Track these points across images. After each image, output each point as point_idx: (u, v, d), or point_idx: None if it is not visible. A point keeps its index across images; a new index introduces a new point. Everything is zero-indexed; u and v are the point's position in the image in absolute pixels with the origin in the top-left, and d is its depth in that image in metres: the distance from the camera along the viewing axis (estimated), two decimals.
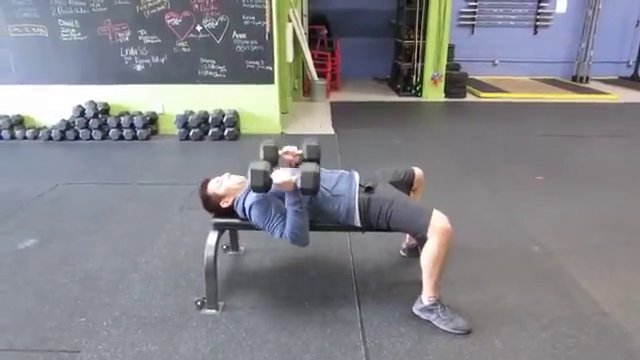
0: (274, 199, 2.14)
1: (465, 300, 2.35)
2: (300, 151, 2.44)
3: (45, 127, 5.46)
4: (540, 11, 9.72)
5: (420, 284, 2.15)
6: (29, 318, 2.24)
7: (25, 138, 5.39)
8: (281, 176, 2.04)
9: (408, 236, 2.69)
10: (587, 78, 9.45)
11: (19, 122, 5.51)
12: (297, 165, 2.40)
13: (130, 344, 2.05)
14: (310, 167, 2.03)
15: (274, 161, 2.36)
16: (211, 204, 2.30)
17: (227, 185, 2.28)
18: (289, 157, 2.45)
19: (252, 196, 2.16)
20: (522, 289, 2.47)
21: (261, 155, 2.35)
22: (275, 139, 2.41)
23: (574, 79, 9.68)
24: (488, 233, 3.10)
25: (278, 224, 2.11)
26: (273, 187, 2.07)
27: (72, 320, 2.21)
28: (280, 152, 2.41)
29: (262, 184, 2.03)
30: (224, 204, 2.26)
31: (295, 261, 2.75)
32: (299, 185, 2.01)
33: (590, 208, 3.51)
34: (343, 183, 2.21)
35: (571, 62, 9.86)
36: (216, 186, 2.29)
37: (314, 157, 2.42)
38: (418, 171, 2.50)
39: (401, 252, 2.79)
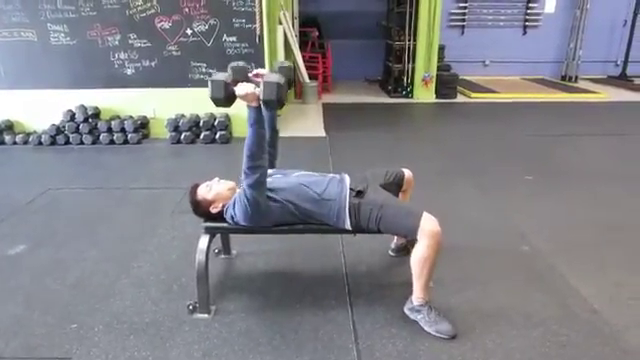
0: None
1: (456, 300, 2.36)
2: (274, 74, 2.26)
3: (35, 132, 5.42)
4: (529, 11, 9.80)
5: (412, 285, 2.16)
6: (19, 325, 2.22)
7: (15, 143, 5.35)
8: (244, 88, 2.00)
9: (396, 236, 2.70)
10: (576, 77, 9.53)
11: (9, 127, 5.47)
12: None
13: (122, 349, 2.04)
14: (273, 77, 1.94)
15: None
16: (201, 209, 2.29)
17: (217, 190, 2.28)
18: (259, 80, 2.28)
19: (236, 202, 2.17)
20: (512, 288, 2.49)
21: (230, 77, 2.16)
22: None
23: (563, 78, 9.76)
24: (478, 233, 3.12)
25: (245, 187, 2.08)
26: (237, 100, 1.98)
27: (63, 326, 2.20)
28: (250, 74, 2.25)
29: (223, 95, 1.95)
30: (214, 209, 2.26)
31: (287, 264, 2.76)
32: (261, 96, 1.95)
33: (580, 207, 3.54)
34: (334, 187, 2.22)
35: (560, 62, 9.94)
36: (206, 191, 2.28)
37: (287, 79, 2.25)
38: (407, 172, 2.52)
39: (390, 252, 2.80)
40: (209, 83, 1.96)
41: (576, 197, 3.74)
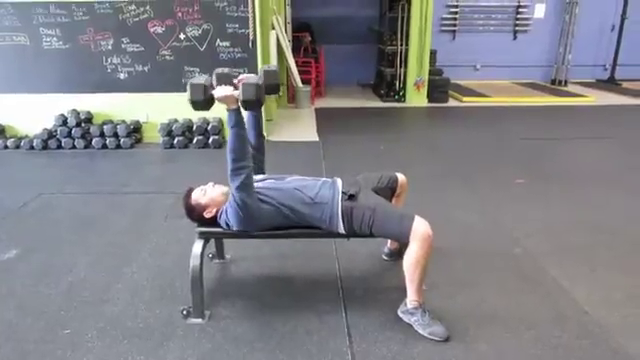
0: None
1: (449, 303, 2.38)
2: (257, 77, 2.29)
3: (27, 136, 5.38)
4: (519, 16, 9.90)
5: (406, 289, 2.17)
6: (11, 330, 2.21)
7: (6, 148, 5.31)
8: (223, 90, 2.02)
9: (389, 240, 2.72)
10: (566, 81, 9.63)
11: (0, 131, 5.43)
12: None
13: (115, 355, 2.04)
14: (252, 78, 1.95)
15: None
16: (195, 214, 2.29)
17: (211, 195, 2.28)
18: None
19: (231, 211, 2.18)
20: (505, 291, 2.51)
21: (214, 83, 2.15)
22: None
23: (553, 82, 9.86)
24: (471, 236, 3.15)
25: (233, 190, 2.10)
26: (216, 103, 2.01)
27: (56, 332, 2.19)
28: (235, 81, 2.22)
29: (202, 98, 1.96)
30: (207, 214, 2.26)
31: (281, 268, 2.76)
32: (240, 97, 1.95)
33: (571, 209, 3.58)
34: (326, 190, 2.23)
35: (550, 66, 10.05)
36: (200, 195, 2.28)
37: (272, 82, 2.31)
38: (401, 177, 2.54)
39: (383, 256, 2.82)
40: (188, 86, 1.97)
41: (567, 200, 3.78)
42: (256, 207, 2.14)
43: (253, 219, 2.17)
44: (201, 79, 2.02)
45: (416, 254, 2.05)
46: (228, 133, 2.07)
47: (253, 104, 2.00)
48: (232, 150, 2.07)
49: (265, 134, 2.55)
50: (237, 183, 2.09)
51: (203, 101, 1.98)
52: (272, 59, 6.48)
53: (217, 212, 2.26)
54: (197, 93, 1.96)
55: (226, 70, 2.23)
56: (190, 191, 2.32)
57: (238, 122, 2.06)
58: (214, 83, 2.14)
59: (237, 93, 1.98)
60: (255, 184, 2.18)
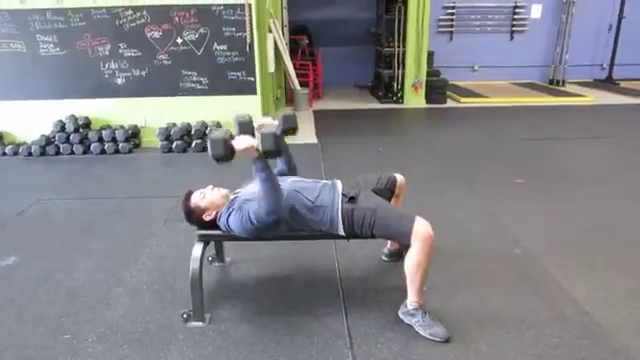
0: (247, 202, 2.16)
1: (449, 304, 2.38)
2: (276, 122, 2.37)
3: (25, 143, 5.38)
4: (516, 17, 9.91)
5: (406, 289, 2.17)
6: (11, 337, 2.21)
7: (4, 154, 5.31)
8: (243, 142, 2.02)
9: (389, 241, 2.72)
10: (563, 81, 9.63)
11: None
12: None
13: None
14: (270, 128, 1.99)
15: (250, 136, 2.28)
16: (194, 217, 2.29)
17: (210, 198, 2.28)
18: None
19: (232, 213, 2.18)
20: (505, 291, 2.51)
21: (236, 131, 2.27)
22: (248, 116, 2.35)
23: (551, 82, 9.87)
24: (470, 237, 3.15)
25: (253, 213, 2.10)
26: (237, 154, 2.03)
27: (56, 337, 2.19)
28: (255, 125, 2.32)
29: (223, 152, 1.98)
30: (207, 217, 2.26)
31: (281, 271, 2.76)
32: (260, 148, 1.97)
33: (570, 209, 3.58)
34: (326, 193, 2.23)
35: (547, 66, 10.05)
36: (199, 198, 2.28)
37: (291, 127, 2.37)
38: (400, 177, 2.54)
39: (383, 257, 2.82)
40: (208, 142, 2.00)
41: (566, 199, 3.78)
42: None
43: (257, 233, 2.18)
44: (220, 133, 2.03)
45: (417, 255, 2.05)
46: (256, 178, 2.06)
47: (273, 154, 2.03)
48: (265, 197, 2.05)
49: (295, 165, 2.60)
50: (270, 219, 2.09)
51: (224, 155, 1.99)
52: (270, 62, 6.49)
53: (217, 215, 2.26)
54: (217, 149, 1.98)
55: (247, 117, 2.29)
56: (189, 194, 2.32)
57: (264, 168, 2.06)
58: (235, 129, 2.22)
59: (257, 143, 2.00)
60: (254, 190, 2.17)
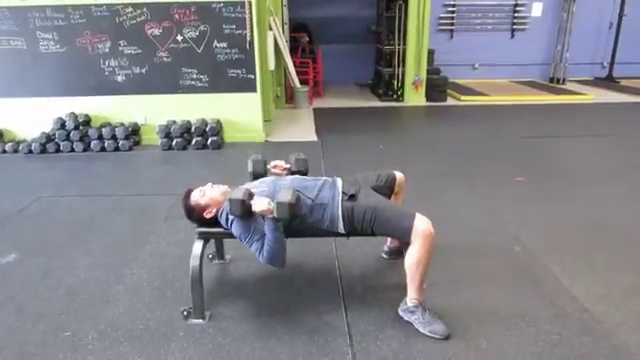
0: (255, 217, 2.15)
1: (449, 301, 2.38)
2: (288, 165, 2.51)
3: (25, 140, 5.38)
4: (516, 15, 9.90)
5: (406, 287, 2.17)
6: (12, 334, 2.21)
7: (4, 152, 5.31)
8: (260, 205, 2.04)
9: (389, 238, 2.72)
10: (564, 80, 9.63)
11: None
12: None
13: (116, 357, 2.04)
14: (285, 196, 2.01)
15: (262, 174, 2.43)
16: (194, 214, 2.29)
17: (210, 195, 2.28)
18: (277, 171, 2.50)
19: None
20: (505, 289, 2.51)
21: (250, 169, 2.45)
22: (260, 149, 2.46)
23: (551, 81, 9.86)
24: (470, 234, 3.15)
25: (256, 242, 2.11)
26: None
27: (56, 335, 2.19)
28: (268, 166, 2.47)
29: (240, 213, 2.05)
30: (207, 214, 2.26)
31: (281, 269, 2.75)
32: (275, 214, 2.02)
33: (570, 207, 3.59)
34: (326, 191, 2.23)
35: (548, 64, 10.05)
36: (199, 196, 2.28)
37: (302, 169, 2.48)
38: (399, 175, 2.54)
39: (383, 255, 2.82)
40: (228, 201, 2.06)
41: (566, 197, 3.78)
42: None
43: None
44: (239, 193, 2.05)
45: (418, 252, 2.06)
46: (268, 235, 2.08)
47: (287, 221, 2.06)
48: (269, 254, 2.09)
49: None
50: (269, 260, 2.12)
51: (242, 215, 2.06)
52: (270, 60, 6.49)
53: (217, 212, 2.26)
54: (236, 209, 2.04)
55: (260, 157, 2.50)
56: (189, 192, 2.32)
57: (277, 228, 2.07)
58: (249, 167, 2.46)
59: (273, 207, 2.02)
60: (254, 190, 2.17)
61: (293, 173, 2.47)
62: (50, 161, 5.10)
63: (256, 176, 2.46)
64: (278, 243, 2.09)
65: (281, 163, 2.50)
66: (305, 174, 2.48)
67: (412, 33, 7.69)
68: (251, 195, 2.09)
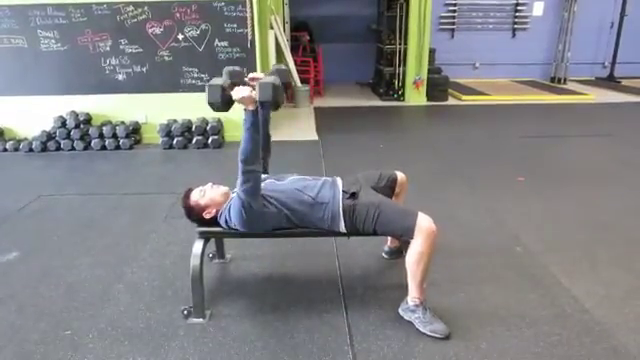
0: (256, 216, 2.14)
1: (450, 301, 2.38)
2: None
3: (26, 139, 5.38)
4: (518, 14, 9.90)
5: (406, 287, 2.17)
6: (12, 332, 2.21)
7: (5, 150, 5.31)
8: (241, 91, 2.00)
9: (390, 238, 2.72)
10: (565, 79, 9.62)
11: None
12: None
13: (116, 355, 2.04)
14: (269, 78, 1.95)
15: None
16: (194, 214, 2.29)
17: (210, 196, 2.27)
18: (254, 83, 2.26)
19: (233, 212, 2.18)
20: (505, 289, 2.51)
21: (223, 80, 2.19)
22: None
23: (552, 80, 9.86)
24: (471, 234, 3.15)
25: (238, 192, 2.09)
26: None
27: (57, 333, 2.19)
28: (246, 78, 2.25)
29: (219, 99, 1.97)
30: (207, 215, 2.26)
31: (281, 268, 2.76)
32: (258, 98, 1.95)
33: (571, 207, 3.58)
34: (327, 190, 2.23)
35: (549, 64, 10.05)
36: (199, 196, 2.27)
37: (284, 81, 2.32)
38: (400, 175, 2.54)
39: (383, 254, 2.82)
40: (206, 88, 1.97)
41: (567, 197, 3.78)
42: (260, 211, 2.14)
43: (255, 221, 2.17)
44: (218, 80, 2.00)
45: (419, 250, 2.05)
46: (242, 134, 2.03)
47: (270, 104, 1.99)
48: (244, 152, 2.04)
49: (271, 133, 2.55)
50: (245, 186, 2.08)
51: (221, 102, 1.97)
52: (271, 59, 6.48)
53: (217, 212, 2.26)
54: (214, 95, 1.97)
55: (237, 68, 2.23)
56: (189, 192, 2.32)
57: (254, 123, 2.03)
58: (228, 82, 2.14)
59: (254, 93, 1.96)
60: None
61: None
62: (51, 160, 5.10)
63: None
64: (253, 141, 2.03)
65: (260, 75, 2.29)
66: (289, 85, 2.36)
67: (413, 32, 7.68)
68: (233, 84, 2.03)
